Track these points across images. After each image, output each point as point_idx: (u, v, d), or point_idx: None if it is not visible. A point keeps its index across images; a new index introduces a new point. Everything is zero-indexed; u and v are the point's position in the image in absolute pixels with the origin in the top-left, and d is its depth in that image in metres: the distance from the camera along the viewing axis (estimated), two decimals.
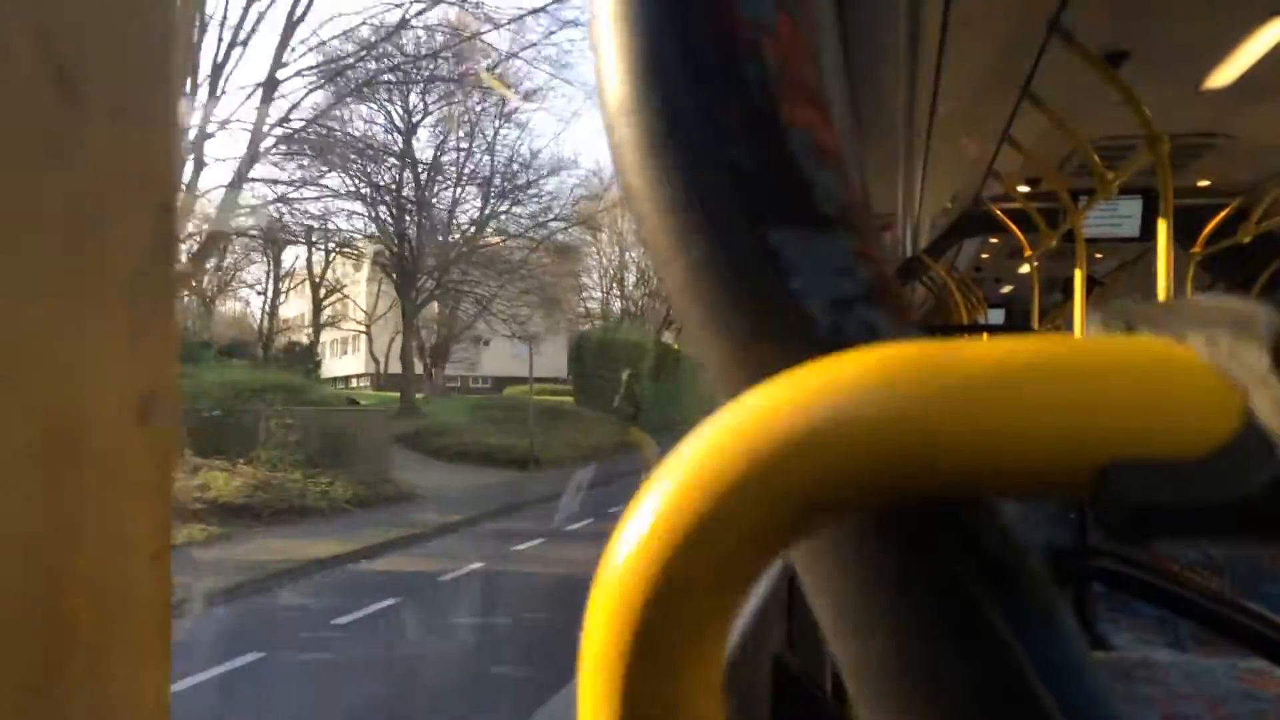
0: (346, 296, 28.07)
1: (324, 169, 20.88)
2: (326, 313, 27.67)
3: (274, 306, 27.25)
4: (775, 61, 0.23)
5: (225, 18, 18.03)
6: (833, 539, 0.24)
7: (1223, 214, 5.26)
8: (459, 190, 24.99)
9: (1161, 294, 3.29)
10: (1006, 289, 11.13)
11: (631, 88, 0.24)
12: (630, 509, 0.20)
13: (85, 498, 0.20)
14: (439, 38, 21.38)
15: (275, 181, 20.49)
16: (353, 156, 21.58)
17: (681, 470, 0.19)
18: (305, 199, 21.20)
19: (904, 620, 0.23)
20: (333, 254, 25.42)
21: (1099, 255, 7.44)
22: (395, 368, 24.82)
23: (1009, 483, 0.18)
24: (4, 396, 0.18)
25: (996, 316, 11.02)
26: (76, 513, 0.20)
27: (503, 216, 26.01)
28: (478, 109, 24.76)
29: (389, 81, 21.57)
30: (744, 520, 0.18)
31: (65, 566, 0.20)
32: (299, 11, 18.22)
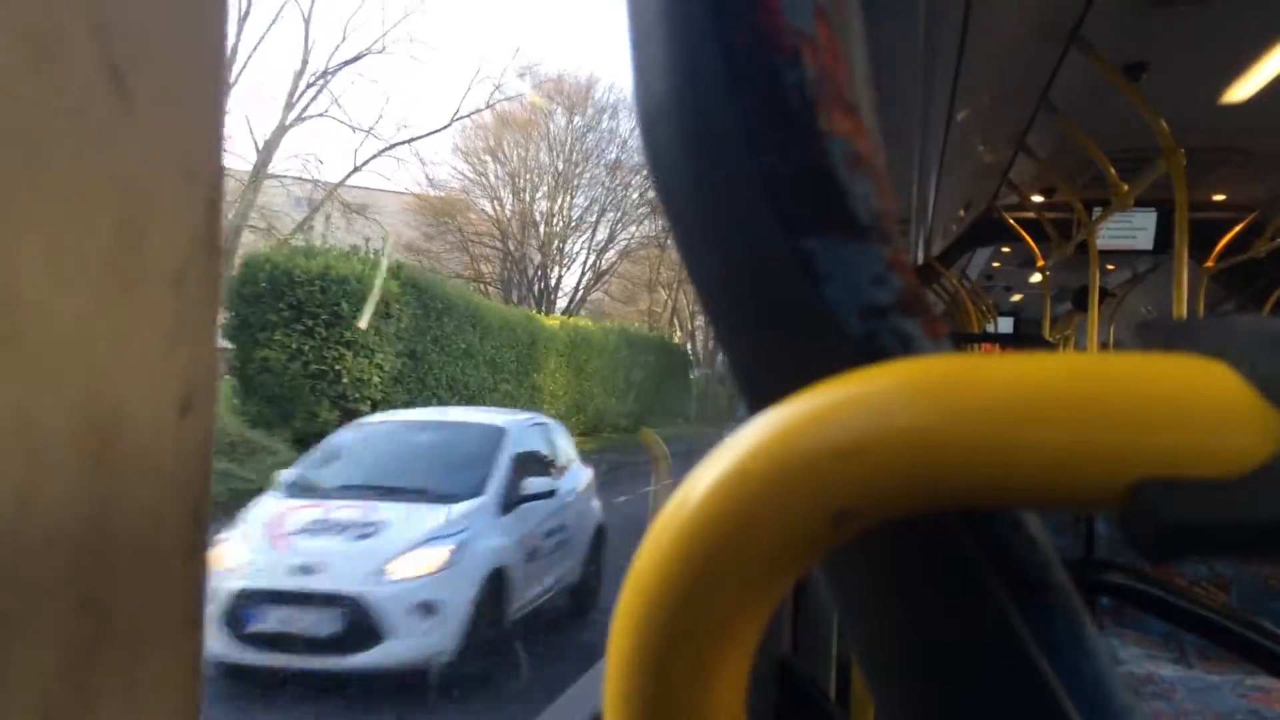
0: None
1: None
2: None
3: None
4: (814, 68, 0.23)
5: None
6: (860, 545, 0.24)
7: (1238, 228, 5.23)
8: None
9: (1178, 308, 3.28)
10: (1016, 298, 11.09)
11: (671, 90, 0.24)
12: (663, 511, 0.20)
13: (124, 490, 0.20)
14: None
15: None
16: None
17: (715, 475, 0.19)
18: None
19: (928, 628, 0.24)
20: None
21: (1110, 267, 7.41)
22: None
23: (1042, 496, 0.18)
24: (49, 388, 0.19)
25: (1005, 325, 10.98)
26: (116, 505, 0.20)
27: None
28: None
29: None
30: (776, 527, 0.18)
31: (103, 558, 0.20)
32: None
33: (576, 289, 26.86)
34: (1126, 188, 3.74)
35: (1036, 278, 7.36)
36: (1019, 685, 0.22)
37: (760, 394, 0.25)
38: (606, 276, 27.75)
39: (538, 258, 25.64)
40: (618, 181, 26.16)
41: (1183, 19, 2.86)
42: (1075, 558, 1.95)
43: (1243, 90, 3.47)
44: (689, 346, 28.96)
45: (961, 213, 5.68)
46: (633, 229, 26.82)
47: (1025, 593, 0.23)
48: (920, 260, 6.28)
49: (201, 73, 0.22)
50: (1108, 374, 0.18)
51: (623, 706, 0.20)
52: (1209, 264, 5.36)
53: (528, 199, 26.04)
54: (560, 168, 25.90)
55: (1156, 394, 0.18)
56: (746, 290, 0.24)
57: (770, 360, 0.25)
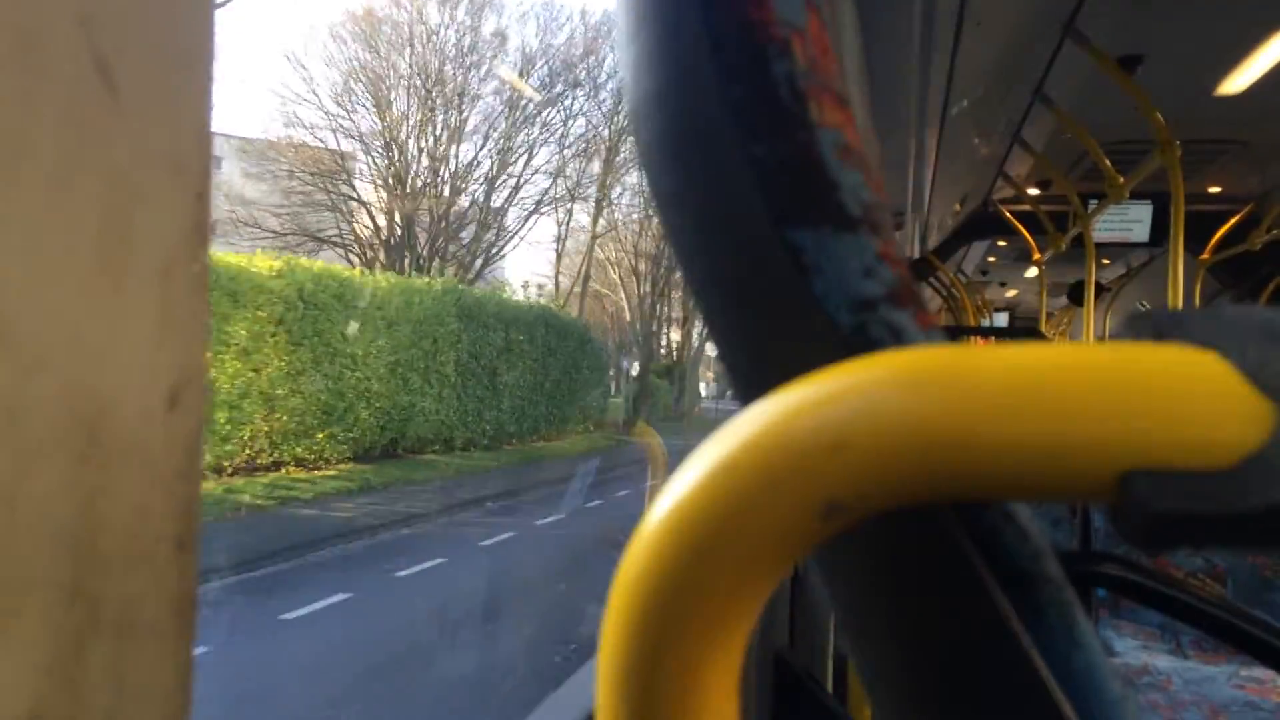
0: None
1: None
2: None
3: None
4: (804, 60, 0.23)
5: None
6: (851, 537, 0.24)
7: (1234, 220, 5.23)
8: None
9: (1173, 300, 3.28)
10: (1011, 293, 11.12)
11: (661, 82, 0.24)
12: (652, 507, 0.20)
13: (112, 484, 0.20)
14: None
15: None
16: None
17: (706, 468, 0.19)
18: None
19: (920, 620, 0.24)
20: None
21: (1105, 260, 7.42)
22: None
23: (1032, 487, 0.18)
24: (34, 381, 0.18)
25: (999, 320, 11.03)
26: (103, 499, 0.20)
27: None
28: None
29: None
30: (767, 520, 0.18)
31: (91, 552, 0.20)
32: None
33: (474, 249, 19.93)
34: (1122, 180, 3.75)
35: (1032, 272, 7.37)
36: (1011, 677, 0.22)
37: (751, 386, 0.25)
38: (512, 237, 21.41)
39: (425, 212, 18.67)
40: (516, 107, 19.80)
41: (1178, 10, 2.86)
42: (1071, 549, 1.95)
43: (1238, 81, 3.47)
44: (638, 329, 22.99)
45: (957, 206, 5.68)
46: (528, 162, 20.65)
47: (1017, 584, 0.23)
48: (916, 254, 6.29)
49: (189, 64, 0.22)
50: (1098, 364, 0.18)
51: (614, 702, 0.20)
52: (1205, 256, 5.36)
53: (399, 130, 18.40)
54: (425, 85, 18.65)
55: (1147, 384, 0.18)
56: (737, 282, 0.24)
57: (761, 352, 0.25)
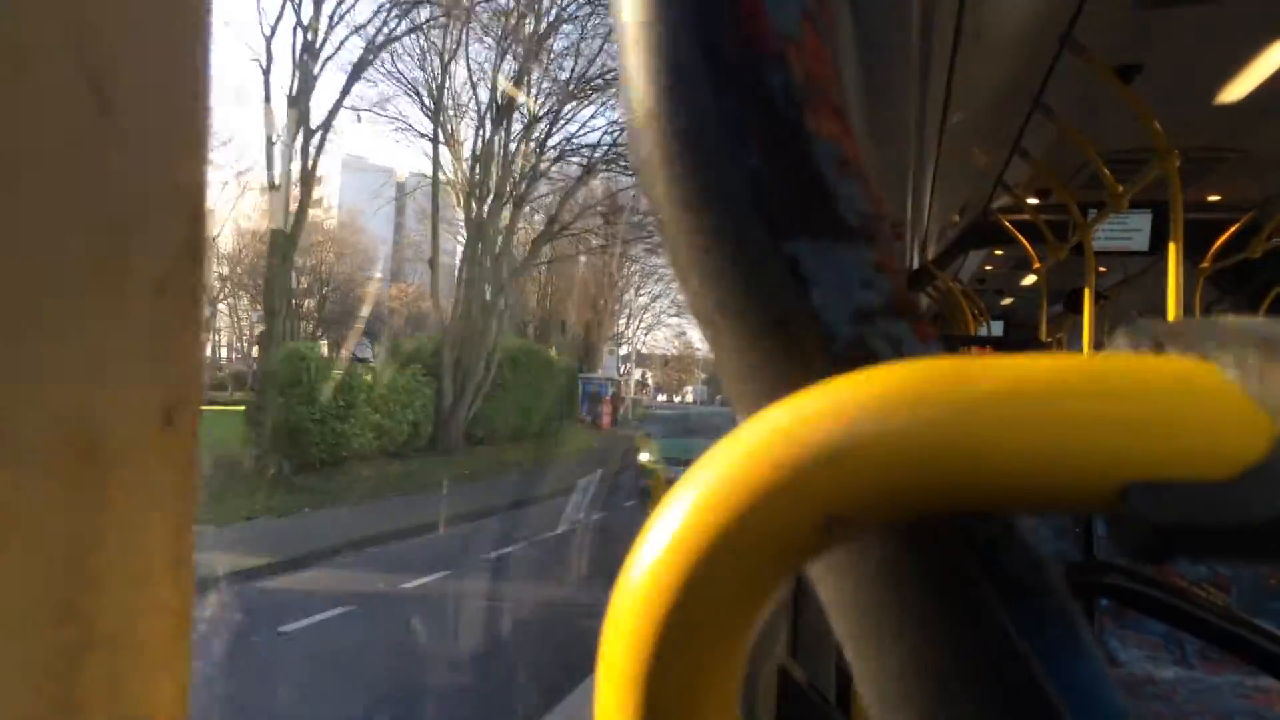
0: None
1: None
2: None
3: None
4: (800, 71, 0.23)
5: None
6: (852, 550, 0.24)
7: (1233, 229, 5.24)
8: None
9: (1172, 309, 3.28)
10: (1007, 300, 11.13)
11: (656, 94, 0.24)
12: (653, 519, 0.20)
13: (107, 502, 0.20)
14: None
15: None
16: None
17: (705, 481, 0.19)
18: None
19: (922, 633, 0.23)
20: None
21: (1102, 269, 7.42)
22: None
23: (1033, 499, 0.18)
24: (28, 399, 0.18)
25: (995, 328, 11.03)
26: (98, 517, 0.20)
27: None
28: None
29: None
30: (767, 533, 0.18)
31: (86, 570, 0.20)
32: None
33: None
34: (1122, 189, 3.75)
35: (1029, 280, 7.37)
36: (1013, 690, 0.22)
37: (750, 398, 0.25)
38: None
39: None
40: None
41: (1176, 20, 2.87)
42: (1075, 559, 1.95)
43: (1237, 90, 3.48)
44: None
45: (957, 216, 5.69)
46: None
47: (1018, 596, 0.23)
48: (915, 265, 6.29)
49: (184, 78, 0.22)
50: (1098, 376, 0.18)
51: (614, 715, 0.20)
52: (1205, 264, 5.37)
53: None
54: None
55: (1146, 395, 0.17)
56: (734, 295, 0.24)
57: (759, 365, 0.25)
